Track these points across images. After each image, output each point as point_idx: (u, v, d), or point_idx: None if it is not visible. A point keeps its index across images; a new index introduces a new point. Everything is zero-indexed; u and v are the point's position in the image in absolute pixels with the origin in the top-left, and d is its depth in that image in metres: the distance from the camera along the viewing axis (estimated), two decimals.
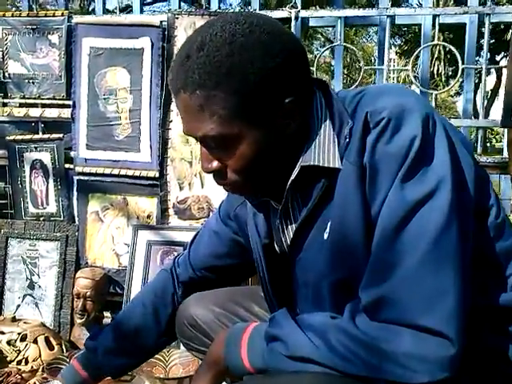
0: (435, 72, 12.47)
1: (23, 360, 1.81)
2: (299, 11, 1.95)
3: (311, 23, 2.05)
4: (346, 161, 0.76)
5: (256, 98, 0.74)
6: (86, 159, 2.05)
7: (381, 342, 0.68)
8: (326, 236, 0.79)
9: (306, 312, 0.83)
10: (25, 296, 2.11)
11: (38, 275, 2.10)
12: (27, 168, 2.16)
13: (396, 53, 15.23)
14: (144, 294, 1.22)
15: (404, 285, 0.69)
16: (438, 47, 9.46)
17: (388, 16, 1.90)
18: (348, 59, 12.56)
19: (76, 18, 2.10)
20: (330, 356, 0.70)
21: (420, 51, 1.96)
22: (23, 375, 1.71)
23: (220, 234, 1.11)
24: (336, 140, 0.78)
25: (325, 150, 0.78)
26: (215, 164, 0.80)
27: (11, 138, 2.16)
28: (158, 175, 1.97)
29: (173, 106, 1.93)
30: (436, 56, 11.96)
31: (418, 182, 0.70)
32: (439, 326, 0.66)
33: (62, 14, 2.11)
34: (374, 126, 0.73)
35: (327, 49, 2.69)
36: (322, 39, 14.06)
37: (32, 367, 1.77)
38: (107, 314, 2.07)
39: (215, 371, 0.86)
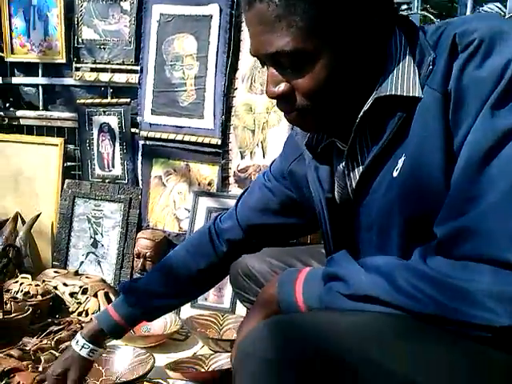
0: None
1: (83, 312, 1.90)
2: None
3: None
4: (428, 88, 0.70)
5: (340, 12, 0.69)
6: (150, 124, 2.10)
7: (455, 280, 0.61)
8: (395, 174, 0.73)
9: None
10: (88, 254, 2.20)
11: (102, 234, 2.19)
12: (95, 131, 2.24)
13: None
14: (183, 247, 1.20)
15: (488, 217, 0.62)
16: None
17: None
18: None
19: None
20: (397, 295, 0.64)
21: None
22: (83, 325, 1.79)
23: (272, 191, 1.07)
24: (417, 71, 0.72)
25: (404, 80, 0.72)
26: (283, 86, 0.74)
27: (81, 101, 2.24)
28: (220, 143, 1.98)
29: (238, 74, 1.94)
30: None
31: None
32: None
33: None
34: (463, 49, 0.67)
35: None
36: None
37: (91, 319, 1.85)
38: None
39: (267, 312, 0.80)
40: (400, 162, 0.73)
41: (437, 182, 0.69)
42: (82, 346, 1.12)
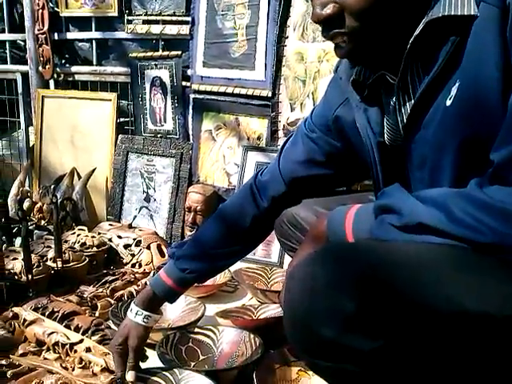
0: None
1: (137, 263, 1.94)
2: None
3: None
4: (484, 4, 0.64)
5: None
6: (202, 77, 2.07)
7: None
8: (448, 102, 0.68)
9: None
10: (141, 208, 2.24)
11: (154, 189, 2.21)
12: (147, 85, 2.23)
13: None
14: (226, 208, 1.15)
15: None
16: None
17: None
18: None
19: None
20: (453, 224, 0.60)
21: None
22: (136, 275, 1.82)
23: (316, 142, 1.01)
24: None
25: (456, 0, 0.66)
26: (332, 7, 0.69)
27: (134, 55, 2.23)
28: (270, 94, 1.92)
29: (289, 22, 1.86)
30: None
31: None
32: None
33: None
34: None
35: None
36: None
37: (144, 270, 1.89)
38: None
39: (317, 245, 0.78)
40: (454, 90, 0.67)
41: (494, 105, 0.63)
42: (136, 313, 1.12)
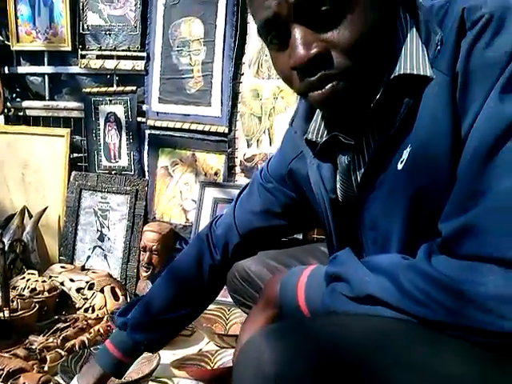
0: None
1: (90, 308, 1.85)
2: None
3: None
4: (435, 70, 0.62)
5: None
6: (157, 113, 2.02)
7: (463, 283, 0.55)
8: (400, 166, 0.66)
9: None
10: (95, 247, 2.15)
11: (108, 228, 2.13)
12: (102, 121, 2.17)
13: None
14: (177, 265, 1.10)
15: (496, 212, 0.55)
16: None
17: None
18: None
19: None
20: (402, 299, 0.58)
21: None
22: (89, 322, 1.74)
23: (272, 193, 0.99)
24: (425, 50, 0.65)
25: (412, 60, 0.64)
26: (319, 46, 0.62)
27: (87, 90, 2.18)
28: (227, 131, 1.89)
29: (245, 59, 1.84)
30: None
31: None
32: None
33: None
34: (471, 26, 0.59)
35: None
36: None
37: (97, 315, 1.81)
38: None
39: (268, 314, 0.76)
40: (405, 153, 0.65)
41: (443, 173, 0.62)
42: None
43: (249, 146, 1.88)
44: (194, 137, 1.97)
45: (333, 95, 0.66)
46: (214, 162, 1.97)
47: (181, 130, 1.98)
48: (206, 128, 1.92)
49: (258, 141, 1.87)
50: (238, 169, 1.92)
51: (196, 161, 2.00)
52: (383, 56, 0.66)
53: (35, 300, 1.76)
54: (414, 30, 0.66)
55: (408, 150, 0.65)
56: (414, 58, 0.64)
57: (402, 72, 0.64)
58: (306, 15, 0.62)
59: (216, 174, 1.96)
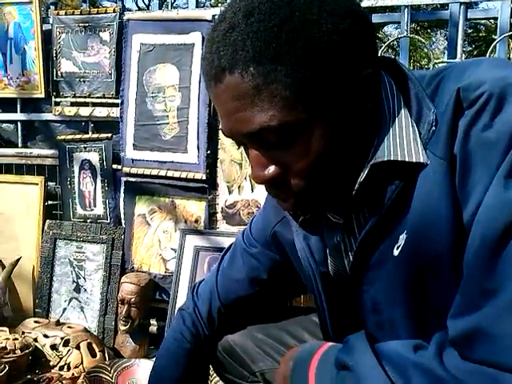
0: None
1: (65, 366, 1.77)
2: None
3: (374, 19, 1.85)
4: (430, 153, 0.59)
5: (327, 70, 0.57)
6: (133, 160, 1.98)
7: None
8: (396, 252, 0.62)
9: (381, 341, 0.66)
10: (71, 299, 2.06)
11: (84, 278, 2.05)
12: (76, 168, 2.12)
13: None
14: (168, 353, 1.02)
15: (504, 317, 0.51)
16: None
17: (462, 3, 1.69)
18: (411, 65, 11.97)
19: (127, 15, 2.04)
20: None
21: (495, 45, 1.73)
22: (64, 382, 1.65)
23: (257, 258, 0.94)
24: (416, 129, 0.61)
25: (402, 142, 0.61)
26: (273, 169, 0.62)
27: (62, 137, 2.13)
28: (205, 177, 1.86)
29: None
30: None
31: None
32: None
33: (114, 11, 2.05)
34: (469, 105, 0.55)
35: (392, 41, 2.49)
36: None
37: (73, 374, 1.72)
38: (153, 321, 1.99)
39: None
40: (401, 239, 0.62)
41: (447, 264, 0.58)
42: None
43: (230, 192, 1.85)
44: (172, 184, 1.93)
45: (295, 207, 0.67)
46: (194, 208, 1.92)
47: (158, 176, 1.94)
48: (184, 175, 1.88)
49: (239, 187, 1.83)
50: (219, 215, 1.87)
51: (175, 208, 1.95)
52: (358, 145, 0.63)
53: (5, 360, 1.67)
54: (403, 105, 0.63)
55: (404, 236, 0.62)
56: (404, 142, 0.61)
57: (391, 158, 0.61)
58: (258, 141, 0.61)
59: (196, 221, 1.92)
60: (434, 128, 0.59)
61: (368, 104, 0.62)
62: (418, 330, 0.63)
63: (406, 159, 0.60)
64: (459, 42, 1.74)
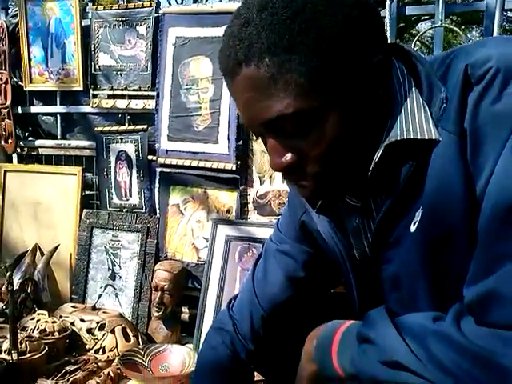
0: None
1: (100, 349, 1.82)
2: None
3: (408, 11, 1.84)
4: (442, 130, 0.61)
5: (339, 58, 0.60)
6: (167, 150, 2.03)
7: (494, 354, 0.53)
8: (413, 228, 0.64)
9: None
10: (106, 286, 2.13)
11: (120, 266, 2.11)
12: (113, 159, 2.18)
13: None
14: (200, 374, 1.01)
15: None
16: None
17: None
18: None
19: (163, 8, 2.09)
20: (430, 367, 0.56)
21: None
22: (99, 364, 1.71)
23: (290, 253, 0.94)
24: (427, 108, 0.63)
25: (414, 122, 0.63)
26: (290, 156, 0.65)
27: (99, 129, 2.19)
28: (235, 168, 1.89)
29: None
30: None
31: None
32: None
33: (150, 5, 2.10)
34: (477, 81, 0.57)
35: (426, 30, 2.46)
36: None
37: (108, 357, 1.78)
38: (185, 309, 2.03)
39: (309, 369, 0.75)
40: (417, 215, 0.64)
41: (462, 235, 0.60)
42: None
43: (261, 183, 1.87)
44: (204, 174, 1.97)
45: (313, 193, 0.69)
46: (226, 199, 1.96)
47: (191, 167, 1.98)
48: (215, 165, 1.92)
49: (270, 177, 1.86)
50: (250, 206, 1.90)
51: (208, 198, 1.98)
52: (372, 130, 0.65)
53: (44, 341, 1.73)
54: (414, 88, 0.65)
55: (420, 211, 0.64)
56: (416, 120, 0.63)
57: (404, 137, 0.63)
58: (276, 130, 0.64)
59: (228, 211, 1.95)
60: (444, 105, 0.61)
61: (380, 89, 0.64)
62: (437, 302, 0.65)
63: (419, 137, 0.62)
64: (495, 34, 1.72)
